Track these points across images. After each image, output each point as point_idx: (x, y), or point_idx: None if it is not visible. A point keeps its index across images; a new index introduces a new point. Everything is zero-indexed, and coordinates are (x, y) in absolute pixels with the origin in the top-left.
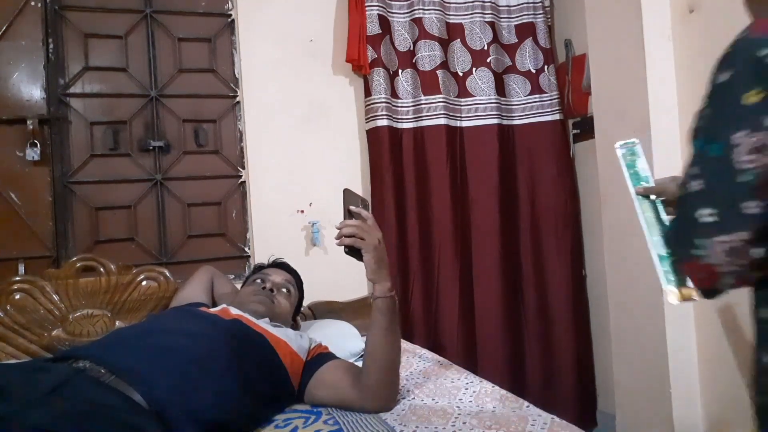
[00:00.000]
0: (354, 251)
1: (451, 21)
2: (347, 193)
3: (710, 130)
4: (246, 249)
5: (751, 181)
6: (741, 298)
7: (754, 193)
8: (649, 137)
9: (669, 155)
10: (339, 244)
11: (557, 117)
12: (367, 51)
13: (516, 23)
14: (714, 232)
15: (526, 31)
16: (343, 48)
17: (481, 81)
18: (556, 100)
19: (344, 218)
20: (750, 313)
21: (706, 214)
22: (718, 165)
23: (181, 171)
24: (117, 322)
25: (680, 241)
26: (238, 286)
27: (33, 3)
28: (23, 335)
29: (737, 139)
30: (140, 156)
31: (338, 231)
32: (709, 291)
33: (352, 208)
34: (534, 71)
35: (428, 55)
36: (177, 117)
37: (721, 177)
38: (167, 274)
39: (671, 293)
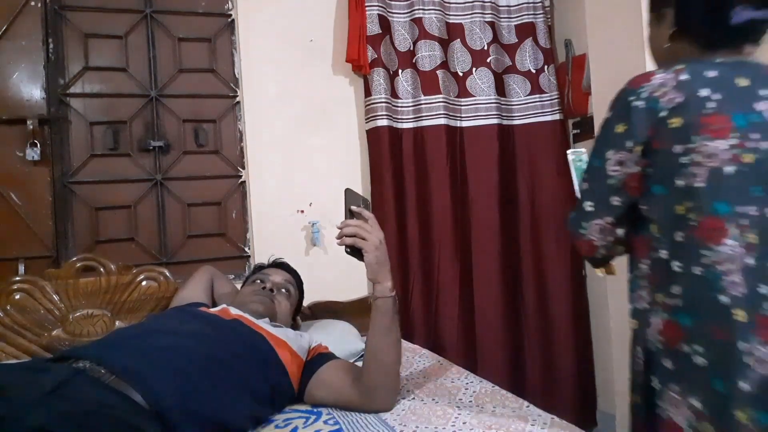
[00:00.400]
0: (355, 251)
1: (451, 21)
2: (349, 192)
3: (596, 149)
4: (246, 249)
5: (615, 183)
6: None
7: (617, 192)
8: None
9: None
10: (340, 244)
11: (557, 117)
12: (367, 51)
13: (516, 23)
14: (592, 216)
15: (526, 31)
16: (343, 48)
17: (481, 81)
18: (556, 100)
19: (345, 218)
20: None
21: (588, 205)
22: (598, 172)
23: (181, 171)
24: (117, 322)
25: (574, 224)
26: (238, 286)
27: (33, 3)
28: (23, 335)
29: (609, 155)
30: (140, 156)
31: (339, 231)
32: (592, 260)
33: (354, 207)
34: (534, 71)
35: (428, 55)
36: (177, 117)
37: (599, 180)
38: (167, 274)
39: (597, 269)
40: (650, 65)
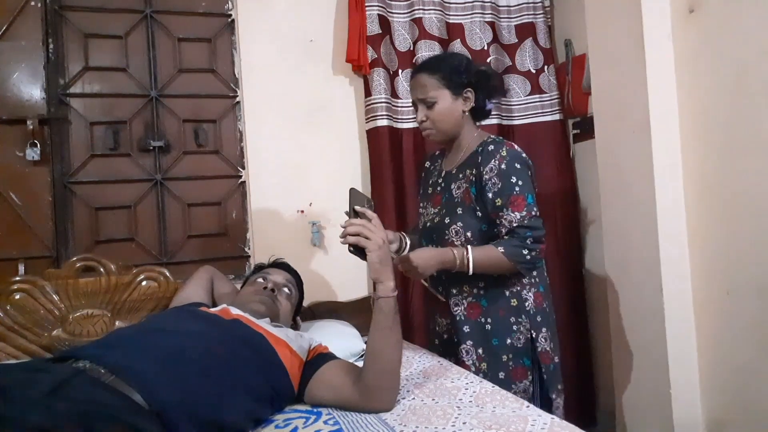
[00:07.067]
0: (358, 250)
1: (451, 21)
2: (353, 192)
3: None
4: (246, 249)
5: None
6: (741, 298)
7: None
8: (649, 137)
9: (669, 155)
10: (344, 243)
11: (557, 117)
12: (367, 51)
13: (516, 23)
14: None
15: (526, 31)
16: (343, 48)
17: None
18: (556, 100)
19: (350, 217)
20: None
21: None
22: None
23: (181, 171)
24: (117, 322)
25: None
26: (238, 286)
27: (33, 3)
28: (23, 335)
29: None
30: (140, 156)
31: (343, 230)
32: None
33: (358, 207)
34: (534, 71)
35: (428, 55)
36: (177, 117)
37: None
38: (167, 274)
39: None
40: (650, 65)
